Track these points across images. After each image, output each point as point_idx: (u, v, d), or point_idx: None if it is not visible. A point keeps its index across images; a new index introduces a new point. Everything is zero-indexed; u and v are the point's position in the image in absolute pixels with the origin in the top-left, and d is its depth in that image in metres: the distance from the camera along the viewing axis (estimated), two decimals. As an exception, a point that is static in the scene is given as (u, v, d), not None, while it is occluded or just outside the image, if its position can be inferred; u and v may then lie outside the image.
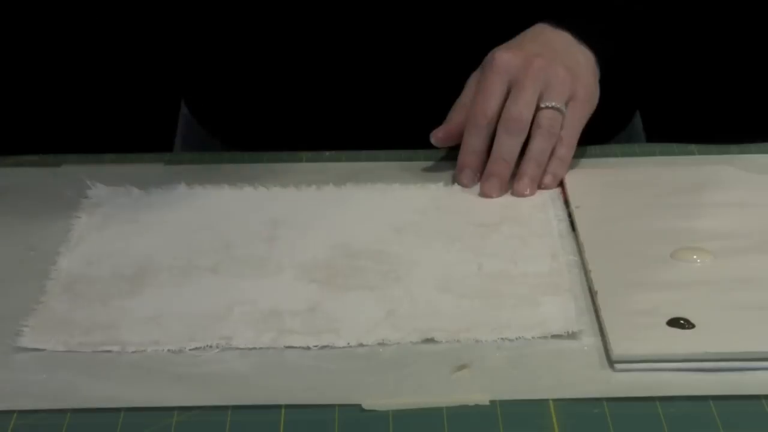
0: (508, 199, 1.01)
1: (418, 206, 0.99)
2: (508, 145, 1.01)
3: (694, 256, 0.90)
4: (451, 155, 1.05)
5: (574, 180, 1.02)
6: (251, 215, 0.98)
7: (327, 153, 1.07)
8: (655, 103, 1.07)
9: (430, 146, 1.06)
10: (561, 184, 1.02)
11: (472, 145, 1.02)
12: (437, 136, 1.03)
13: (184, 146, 1.27)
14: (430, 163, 1.05)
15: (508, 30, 1.06)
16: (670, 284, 0.87)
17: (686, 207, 0.98)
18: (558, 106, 1.01)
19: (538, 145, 1.01)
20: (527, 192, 1.01)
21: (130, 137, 1.53)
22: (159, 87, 1.32)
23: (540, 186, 1.02)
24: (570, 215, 0.98)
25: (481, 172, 1.02)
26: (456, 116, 1.03)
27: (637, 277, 0.88)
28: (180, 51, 1.17)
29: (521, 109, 1.00)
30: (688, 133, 1.15)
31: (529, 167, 1.01)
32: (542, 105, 1.01)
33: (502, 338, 0.82)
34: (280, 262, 0.91)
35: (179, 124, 1.29)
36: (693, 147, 1.08)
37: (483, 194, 1.01)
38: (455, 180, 1.03)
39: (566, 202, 1.00)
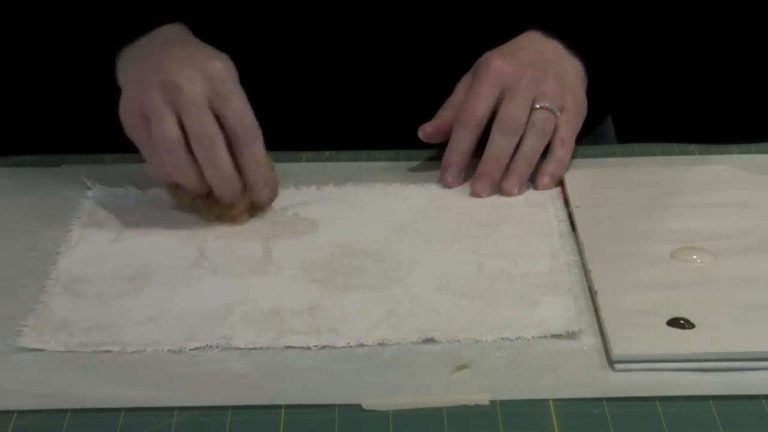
0: (508, 199, 1.01)
1: (418, 206, 0.99)
2: (501, 145, 1.01)
3: (694, 256, 0.90)
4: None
5: (574, 180, 1.02)
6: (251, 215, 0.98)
7: (327, 153, 1.08)
8: (632, 106, 1.07)
9: (430, 146, 1.06)
10: (561, 184, 1.02)
11: (459, 144, 1.02)
12: (426, 131, 1.04)
13: None
14: (430, 163, 1.05)
15: (509, 27, 1.06)
16: (670, 284, 0.87)
17: (686, 207, 0.98)
18: (551, 107, 1.01)
19: (530, 144, 1.01)
20: (515, 191, 1.01)
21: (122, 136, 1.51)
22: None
23: (537, 187, 1.02)
24: (570, 215, 0.98)
25: (465, 172, 1.02)
26: (445, 113, 1.04)
27: (637, 277, 0.88)
28: None
29: (516, 109, 1.01)
30: (663, 134, 1.15)
31: (519, 165, 1.01)
32: (537, 106, 1.01)
33: (502, 338, 0.82)
34: (280, 262, 0.91)
35: None
36: (693, 147, 1.08)
37: (474, 194, 1.01)
38: (440, 179, 1.03)
39: (566, 202, 1.00)
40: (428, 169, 1.05)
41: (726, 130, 1.25)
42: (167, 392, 0.78)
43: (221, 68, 0.96)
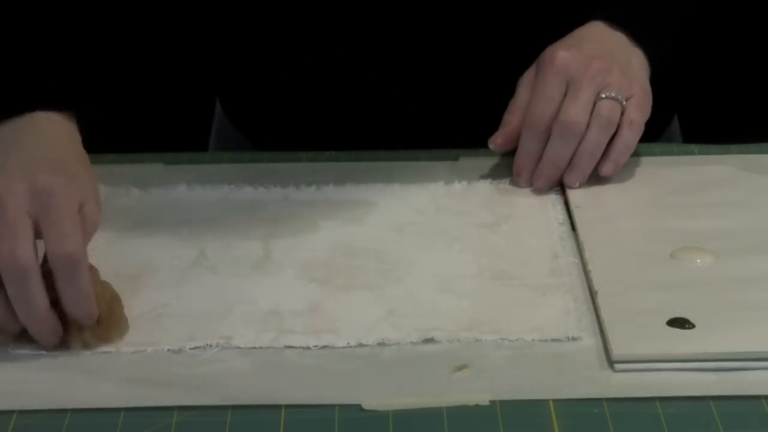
0: (508, 199, 1.01)
1: (418, 206, 0.99)
2: (560, 151, 0.99)
3: (695, 257, 0.90)
4: (449, 155, 1.06)
5: (574, 180, 1.02)
6: (251, 215, 0.98)
7: (327, 153, 1.07)
8: (689, 105, 1.06)
9: (430, 146, 1.06)
10: (561, 185, 1.02)
11: (529, 148, 1.01)
12: (496, 143, 1.02)
13: (219, 145, 1.26)
14: (431, 164, 1.05)
15: (508, 33, 1.06)
16: (670, 284, 0.87)
17: (686, 207, 0.98)
18: (618, 96, 1.00)
19: (594, 137, 0.99)
20: (576, 185, 1.00)
21: (166, 136, 1.52)
22: (194, 86, 1.32)
23: (600, 173, 1.01)
24: (570, 215, 0.98)
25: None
26: (513, 119, 1.02)
27: (637, 277, 0.88)
28: (211, 52, 1.16)
29: (577, 112, 0.99)
30: (724, 133, 1.14)
31: (582, 159, 1.00)
32: (602, 95, 0.99)
33: (502, 338, 0.83)
34: (280, 262, 0.91)
35: (214, 124, 1.28)
36: (693, 147, 1.08)
37: (534, 191, 1.01)
38: (512, 181, 1.02)
39: (566, 203, 1.00)
40: (429, 170, 1.04)
41: (726, 130, 1.25)
42: (167, 392, 0.78)
43: (52, 182, 0.81)
